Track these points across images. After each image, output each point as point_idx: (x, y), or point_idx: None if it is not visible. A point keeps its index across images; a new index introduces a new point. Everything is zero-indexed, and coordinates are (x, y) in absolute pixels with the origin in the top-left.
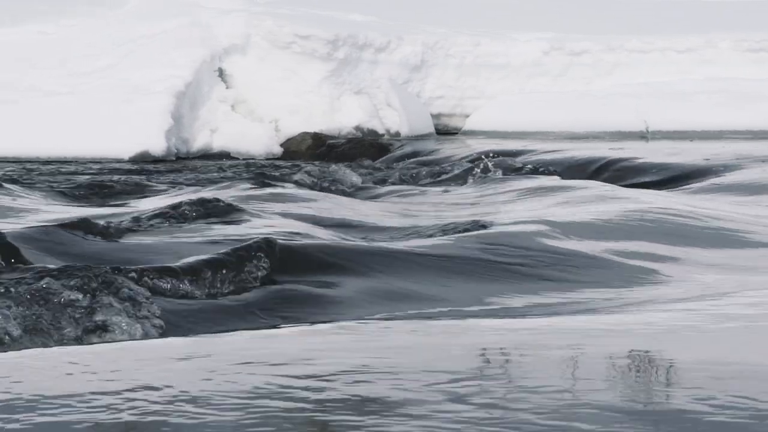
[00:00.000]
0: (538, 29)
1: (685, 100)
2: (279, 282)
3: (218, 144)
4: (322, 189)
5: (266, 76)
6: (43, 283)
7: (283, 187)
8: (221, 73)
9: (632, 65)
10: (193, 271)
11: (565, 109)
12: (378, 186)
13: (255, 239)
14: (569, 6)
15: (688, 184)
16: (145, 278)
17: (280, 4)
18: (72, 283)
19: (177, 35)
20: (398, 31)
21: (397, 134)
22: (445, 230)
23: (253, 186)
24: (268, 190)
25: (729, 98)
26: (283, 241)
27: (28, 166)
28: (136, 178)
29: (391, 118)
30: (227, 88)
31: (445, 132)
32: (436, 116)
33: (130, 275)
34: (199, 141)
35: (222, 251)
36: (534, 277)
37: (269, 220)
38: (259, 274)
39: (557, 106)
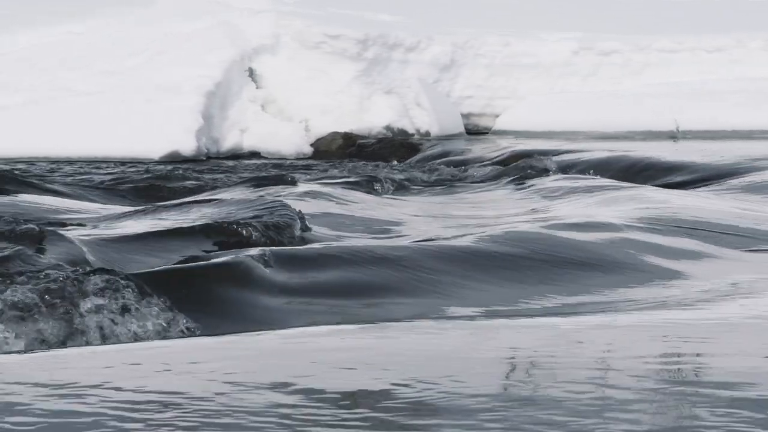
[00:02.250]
0: (568, 29)
1: (715, 100)
2: (319, 281)
3: (248, 144)
4: (355, 188)
5: (296, 75)
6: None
7: (317, 186)
8: (251, 72)
9: (662, 65)
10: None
11: (595, 109)
12: (409, 185)
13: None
14: (598, 6)
15: (720, 183)
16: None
17: (308, 3)
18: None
19: (206, 35)
20: (428, 30)
21: (427, 134)
22: (479, 230)
23: (286, 185)
24: (301, 189)
25: (759, 98)
26: (320, 242)
27: (59, 165)
28: (167, 177)
29: (421, 118)
30: (257, 87)
31: (475, 132)
32: (465, 116)
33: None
34: (229, 141)
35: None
36: (572, 276)
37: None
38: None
39: (587, 106)
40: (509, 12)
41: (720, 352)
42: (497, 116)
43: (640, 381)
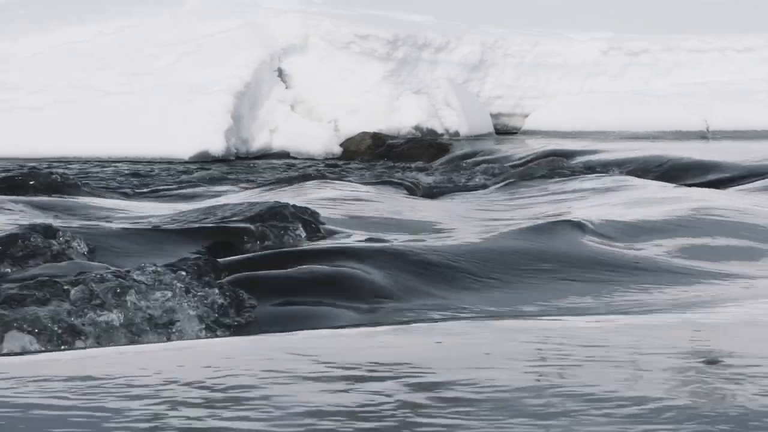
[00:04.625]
0: (596, 29)
1: (745, 100)
2: (346, 282)
3: (278, 144)
4: (385, 188)
5: (325, 76)
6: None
7: (347, 186)
8: (280, 73)
9: (691, 65)
10: None
11: (624, 109)
12: (438, 185)
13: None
14: (627, 5)
15: (751, 182)
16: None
17: (337, 4)
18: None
19: (235, 35)
20: (457, 30)
21: (457, 134)
22: (508, 229)
23: (316, 185)
24: (332, 189)
25: None
26: (350, 242)
27: (90, 165)
28: (197, 177)
29: (451, 118)
30: (286, 88)
31: (504, 132)
32: (495, 116)
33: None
34: (259, 141)
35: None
36: (602, 277)
37: (335, 223)
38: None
39: (616, 106)
40: (538, 12)
41: None
42: (526, 116)
43: None
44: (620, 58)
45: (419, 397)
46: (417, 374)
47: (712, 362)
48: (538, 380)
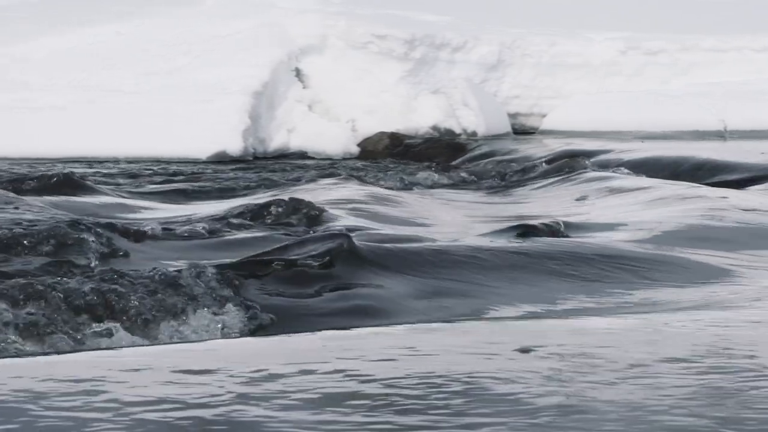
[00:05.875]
0: (614, 29)
1: (763, 100)
2: (359, 283)
3: (295, 144)
4: (403, 188)
5: (343, 75)
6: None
7: (366, 186)
8: (298, 72)
9: (709, 65)
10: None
11: (641, 109)
12: (457, 186)
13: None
14: (645, 5)
15: None
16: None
17: (354, 4)
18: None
19: (253, 35)
20: (475, 30)
21: (474, 134)
22: (527, 229)
23: (334, 185)
24: (351, 189)
25: None
26: (365, 242)
27: (108, 166)
28: (216, 177)
29: (468, 118)
30: (304, 88)
31: (522, 131)
32: (513, 116)
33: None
34: (276, 141)
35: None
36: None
37: (348, 220)
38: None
39: (634, 105)
40: (556, 12)
41: None
42: (544, 116)
43: None
44: (638, 58)
45: None
46: None
47: (525, 351)
48: None
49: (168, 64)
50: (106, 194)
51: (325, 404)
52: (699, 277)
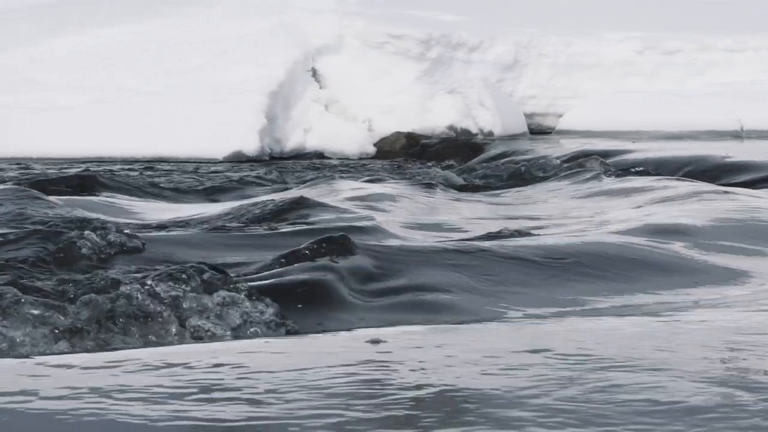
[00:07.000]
0: (630, 29)
1: None
2: (385, 283)
3: (311, 144)
4: (420, 188)
5: (359, 75)
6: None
7: (382, 186)
8: (314, 72)
9: (726, 64)
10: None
11: (658, 109)
12: (473, 185)
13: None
14: (662, 5)
15: None
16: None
17: (371, 3)
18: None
19: (269, 35)
20: (491, 30)
21: (490, 134)
22: (544, 231)
23: (351, 185)
24: (366, 188)
25: None
26: (384, 242)
27: (124, 165)
28: (232, 176)
29: (484, 118)
30: (320, 87)
31: (538, 131)
32: (529, 116)
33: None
34: (293, 141)
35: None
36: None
37: (366, 218)
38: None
39: (650, 105)
40: (572, 12)
41: None
42: (560, 116)
43: None
44: (655, 58)
45: None
46: None
47: (374, 342)
48: None
49: (185, 65)
50: (127, 194)
51: None
52: (711, 278)
